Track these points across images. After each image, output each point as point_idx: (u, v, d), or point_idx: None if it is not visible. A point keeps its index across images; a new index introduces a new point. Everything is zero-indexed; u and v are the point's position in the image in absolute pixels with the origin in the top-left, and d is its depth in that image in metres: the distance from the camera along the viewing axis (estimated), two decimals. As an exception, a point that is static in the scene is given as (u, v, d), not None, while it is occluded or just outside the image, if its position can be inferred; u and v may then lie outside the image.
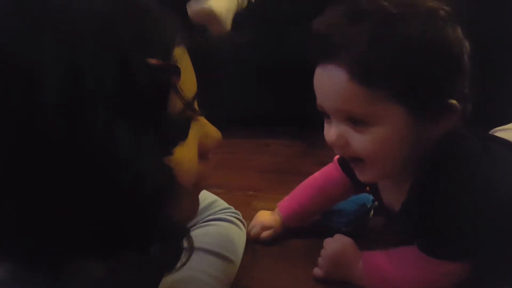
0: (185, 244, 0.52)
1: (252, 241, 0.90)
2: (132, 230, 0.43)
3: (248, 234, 0.88)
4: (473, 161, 0.72)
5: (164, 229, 0.46)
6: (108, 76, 0.40)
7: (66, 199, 0.40)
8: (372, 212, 0.96)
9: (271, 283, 0.82)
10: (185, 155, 0.48)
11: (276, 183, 1.17)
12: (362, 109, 0.65)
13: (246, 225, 0.86)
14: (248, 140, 1.45)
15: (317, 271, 0.81)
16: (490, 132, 0.93)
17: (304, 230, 0.94)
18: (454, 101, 0.65)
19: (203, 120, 0.52)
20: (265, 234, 0.92)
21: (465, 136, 0.74)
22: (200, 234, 0.74)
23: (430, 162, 0.70)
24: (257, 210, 0.97)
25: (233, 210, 0.83)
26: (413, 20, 0.63)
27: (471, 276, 0.73)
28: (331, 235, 0.82)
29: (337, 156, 0.91)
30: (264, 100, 1.51)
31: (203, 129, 0.52)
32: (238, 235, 0.80)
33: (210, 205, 0.81)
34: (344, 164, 0.86)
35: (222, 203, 0.83)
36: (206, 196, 0.80)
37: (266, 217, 0.94)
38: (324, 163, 0.96)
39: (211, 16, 1.29)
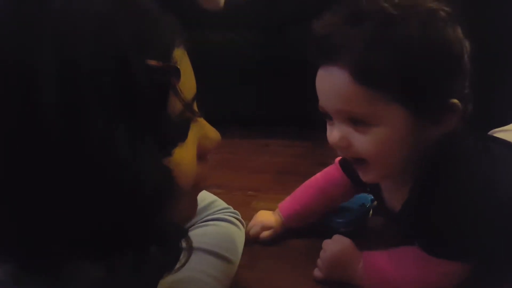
0: (184, 244, 0.52)
1: (251, 241, 0.90)
2: (131, 230, 0.43)
3: (247, 234, 0.88)
4: (473, 161, 0.73)
5: (163, 229, 0.46)
6: (107, 76, 0.40)
7: (65, 199, 0.40)
8: (371, 212, 0.96)
9: (271, 284, 0.82)
10: (184, 156, 0.48)
11: (276, 183, 1.17)
12: (364, 110, 0.66)
13: (245, 225, 0.86)
14: (247, 140, 1.45)
15: (317, 272, 0.81)
16: (490, 133, 0.93)
17: (303, 230, 0.94)
18: (455, 101, 0.65)
19: (202, 121, 0.52)
20: (265, 234, 0.92)
21: (465, 137, 0.74)
22: (199, 234, 0.74)
23: (430, 162, 0.70)
24: (256, 210, 0.97)
25: (232, 210, 0.83)
26: (413, 21, 0.63)
27: (471, 276, 0.73)
28: (331, 236, 0.82)
29: (338, 158, 0.91)
30: (263, 100, 1.52)
31: (202, 130, 0.52)
32: (237, 235, 0.79)
33: (209, 205, 0.80)
34: (345, 165, 0.87)
35: (221, 203, 0.83)
36: (205, 196, 0.80)
37: (265, 217, 0.94)
38: (324, 163, 0.96)
39: None
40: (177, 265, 0.51)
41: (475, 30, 0.67)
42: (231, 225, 0.79)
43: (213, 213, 0.79)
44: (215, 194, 0.83)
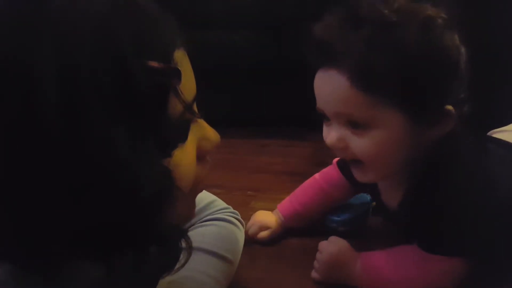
0: (183, 244, 0.52)
1: (251, 241, 0.91)
2: (130, 230, 0.43)
3: (246, 234, 0.88)
4: (471, 161, 0.74)
5: (162, 230, 0.46)
6: (107, 77, 0.40)
7: (65, 199, 0.40)
8: (370, 212, 0.96)
9: (270, 284, 0.82)
10: (183, 157, 0.48)
11: (275, 184, 1.17)
12: (362, 113, 0.67)
13: (244, 225, 0.86)
14: (247, 140, 1.45)
15: (314, 274, 0.81)
16: (489, 133, 0.93)
17: (303, 230, 0.94)
18: (450, 107, 0.67)
19: (202, 122, 0.52)
20: (263, 234, 0.92)
21: (464, 137, 0.75)
22: (199, 234, 0.74)
23: (427, 163, 0.71)
24: (255, 210, 0.97)
25: (232, 210, 0.83)
26: (412, 28, 0.64)
27: (471, 276, 0.73)
28: (330, 235, 0.82)
29: (336, 159, 0.91)
30: (263, 101, 1.52)
31: (201, 131, 0.52)
32: (236, 235, 0.79)
33: (209, 205, 0.80)
34: (343, 166, 0.87)
35: (220, 203, 0.83)
36: (204, 196, 0.80)
37: (264, 217, 0.94)
38: (322, 163, 0.96)
39: None
40: (177, 265, 0.51)
41: (475, 31, 0.68)
42: (230, 225, 0.79)
43: (212, 213, 0.79)
44: (214, 194, 0.83)
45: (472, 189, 0.70)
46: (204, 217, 0.78)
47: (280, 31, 1.40)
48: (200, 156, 0.52)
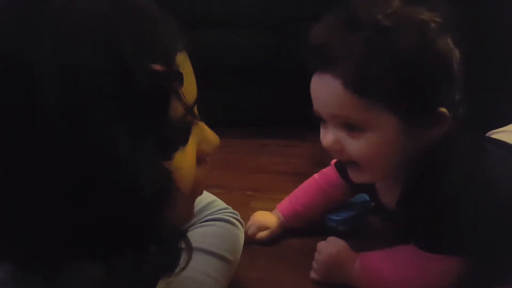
0: (183, 246, 0.52)
1: (251, 242, 0.91)
2: (130, 231, 0.43)
3: (245, 234, 0.88)
4: (469, 161, 0.74)
5: (162, 230, 0.46)
6: (107, 79, 0.40)
7: (65, 200, 0.40)
8: (370, 211, 0.96)
9: (270, 284, 0.82)
10: (184, 160, 0.48)
11: (275, 184, 1.17)
12: (356, 116, 0.68)
13: (244, 225, 0.86)
14: (246, 140, 1.45)
15: (313, 274, 0.81)
16: (487, 134, 0.93)
17: (302, 230, 0.94)
18: (443, 110, 0.68)
19: (202, 124, 0.52)
20: (262, 234, 0.92)
21: (461, 138, 0.75)
22: (199, 234, 0.74)
23: (424, 163, 0.72)
24: (255, 210, 0.97)
25: (232, 210, 0.83)
26: (406, 32, 0.65)
27: (471, 276, 0.73)
28: (329, 235, 0.82)
29: (334, 160, 0.91)
30: (263, 101, 1.52)
31: (202, 134, 0.52)
32: (236, 235, 0.79)
33: (209, 205, 0.80)
34: (341, 168, 0.87)
35: (220, 203, 0.82)
36: (204, 196, 0.80)
37: (262, 217, 0.94)
38: (322, 164, 0.96)
39: None
40: (179, 268, 0.51)
41: (474, 32, 0.68)
42: (230, 225, 0.79)
43: (212, 213, 0.79)
44: (214, 194, 0.83)
45: (471, 188, 0.70)
46: (204, 217, 0.78)
47: (280, 31, 1.40)
48: (200, 159, 0.52)
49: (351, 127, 0.69)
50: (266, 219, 0.94)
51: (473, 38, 0.68)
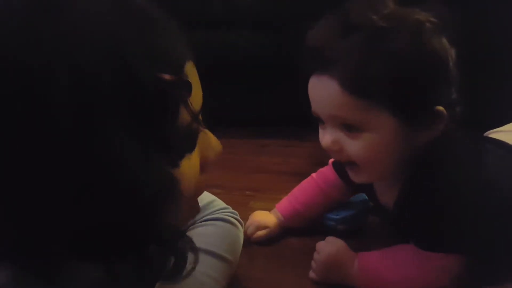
0: (188, 247, 0.52)
1: (250, 241, 0.91)
2: (131, 232, 0.44)
3: (245, 234, 0.88)
4: (468, 160, 0.75)
5: (162, 232, 0.47)
6: (118, 88, 0.40)
7: (69, 201, 0.41)
8: (369, 210, 0.96)
9: (270, 284, 0.82)
10: (189, 166, 0.49)
11: (274, 183, 1.17)
12: (354, 117, 0.68)
13: (244, 225, 0.86)
14: (246, 140, 1.45)
15: (312, 274, 0.81)
16: (486, 134, 0.94)
17: (301, 230, 0.94)
18: (441, 108, 0.68)
19: (206, 132, 0.53)
20: (259, 234, 0.92)
21: (460, 137, 0.76)
22: (198, 234, 0.74)
23: (421, 162, 0.72)
24: (254, 210, 0.97)
25: (231, 210, 0.83)
26: (401, 33, 0.65)
27: (470, 276, 0.73)
28: (329, 235, 0.83)
29: (331, 159, 0.92)
30: (263, 101, 1.51)
31: (206, 141, 0.53)
32: (236, 235, 0.80)
33: (208, 204, 0.80)
34: (339, 168, 0.88)
35: (220, 203, 0.83)
36: (203, 196, 0.80)
37: (261, 217, 0.95)
38: (322, 164, 0.97)
39: None
40: (185, 271, 0.52)
41: (474, 32, 0.68)
42: (230, 225, 0.79)
43: (212, 213, 0.79)
44: (214, 194, 0.83)
45: (470, 188, 0.71)
46: (203, 217, 0.78)
47: (280, 31, 1.40)
48: (203, 165, 0.52)
49: (350, 127, 0.69)
50: (265, 218, 0.94)
51: (472, 38, 0.68)
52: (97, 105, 0.40)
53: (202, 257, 0.70)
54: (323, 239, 0.82)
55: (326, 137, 0.72)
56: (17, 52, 0.39)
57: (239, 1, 1.41)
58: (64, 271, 0.46)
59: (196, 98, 0.49)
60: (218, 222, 0.78)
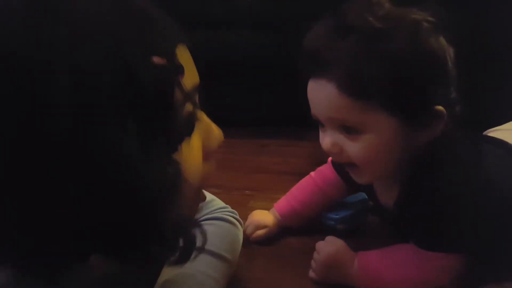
0: (198, 235, 0.52)
1: (249, 241, 0.91)
2: (140, 229, 0.44)
3: (244, 234, 0.88)
4: (467, 159, 0.75)
5: (172, 223, 0.47)
6: (114, 76, 0.40)
7: (76, 197, 0.41)
8: (368, 209, 0.96)
9: (269, 283, 0.82)
10: (190, 152, 0.49)
11: (274, 183, 1.17)
12: (353, 119, 0.68)
13: (243, 225, 0.86)
14: (246, 140, 1.45)
15: (311, 274, 0.81)
16: (485, 132, 0.94)
17: (301, 230, 0.94)
18: (440, 108, 0.68)
19: (206, 121, 0.53)
20: (258, 233, 0.93)
21: (460, 137, 0.76)
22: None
23: (422, 162, 0.72)
24: (253, 210, 0.97)
25: (230, 209, 0.83)
26: (398, 33, 0.65)
27: (470, 275, 0.74)
28: (328, 234, 0.83)
29: (331, 158, 0.92)
30: (263, 101, 1.51)
31: (207, 130, 0.53)
32: (235, 235, 0.80)
33: (207, 204, 0.81)
34: (339, 167, 0.88)
35: (219, 202, 0.83)
36: (203, 196, 0.80)
37: (260, 216, 0.95)
38: (321, 163, 0.97)
39: None
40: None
41: (473, 32, 0.68)
42: (229, 224, 0.79)
43: (211, 212, 0.79)
44: (213, 193, 0.83)
45: (470, 187, 0.71)
46: (202, 216, 0.78)
47: (280, 31, 1.40)
48: (206, 154, 0.52)
49: (349, 129, 0.69)
50: (264, 218, 0.94)
51: (472, 38, 0.68)
52: (97, 104, 0.40)
53: (202, 256, 0.70)
54: (323, 239, 0.82)
55: (326, 139, 0.72)
56: (17, 52, 0.39)
57: (239, 1, 1.41)
58: (64, 271, 0.46)
59: (190, 79, 0.49)
60: (217, 222, 0.78)
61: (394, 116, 0.67)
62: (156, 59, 0.43)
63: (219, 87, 1.37)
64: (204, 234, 0.53)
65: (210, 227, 0.77)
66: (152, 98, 0.43)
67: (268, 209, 0.97)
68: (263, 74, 1.45)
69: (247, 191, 1.14)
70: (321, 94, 0.70)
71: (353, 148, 0.70)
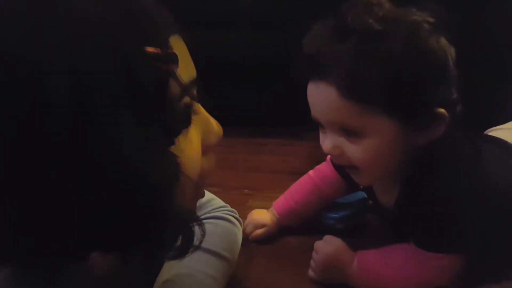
0: (197, 229, 0.52)
1: (249, 240, 0.91)
2: (139, 220, 0.44)
3: (243, 233, 0.88)
4: (467, 159, 0.75)
5: (173, 216, 0.47)
6: (111, 68, 0.40)
7: (73, 194, 0.41)
8: (367, 208, 0.96)
9: (269, 283, 0.82)
10: (188, 145, 0.48)
11: (273, 182, 1.17)
12: (353, 122, 0.68)
13: (242, 224, 0.86)
14: (245, 139, 1.45)
15: (311, 273, 0.81)
16: (485, 132, 0.94)
17: (300, 229, 0.94)
18: (441, 110, 0.68)
19: (206, 115, 0.53)
20: (257, 232, 0.93)
21: (460, 137, 0.76)
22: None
23: (422, 162, 0.72)
24: (252, 209, 0.97)
25: (230, 208, 0.83)
26: (397, 35, 0.65)
27: (470, 274, 0.74)
28: (327, 233, 0.83)
29: (329, 156, 0.92)
30: (262, 100, 1.52)
31: (206, 125, 0.53)
32: (234, 234, 0.80)
33: (206, 203, 0.80)
34: (338, 166, 0.88)
35: (218, 201, 0.83)
36: (202, 195, 0.80)
37: (259, 216, 0.95)
38: (320, 163, 0.97)
39: None
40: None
41: (473, 32, 0.68)
42: (228, 223, 0.79)
43: (210, 211, 0.79)
44: (212, 192, 0.83)
45: (469, 187, 0.71)
46: (201, 215, 0.78)
47: (280, 30, 1.40)
48: (205, 149, 0.52)
49: (349, 132, 0.69)
50: (263, 217, 0.94)
51: (472, 38, 0.68)
52: (95, 99, 0.40)
53: (201, 255, 0.70)
54: (322, 238, 0.82)
55: (327, 142, 0.72)
56: (16, 51, 0.39)
57: (239, 1, 1.41)
58: (64, 271, 0.46)
59: (186, 70, 0.48)
60: (216, 221, 0.78)
61: (395, 119, 0.67)
62: (150, 49, 0.43)
63: (219, 87, 1.37)
64: (203, 230, 0.53)
65: (209, 226, 0.76)
66: (148, 89, 0.42)
67: (267, 208, 0.97)
68: (262, 74, 1.45)
69: (246, 190, 1.15)
70: (321, 97, 0.70)
71: (354, 150, 0.70)
